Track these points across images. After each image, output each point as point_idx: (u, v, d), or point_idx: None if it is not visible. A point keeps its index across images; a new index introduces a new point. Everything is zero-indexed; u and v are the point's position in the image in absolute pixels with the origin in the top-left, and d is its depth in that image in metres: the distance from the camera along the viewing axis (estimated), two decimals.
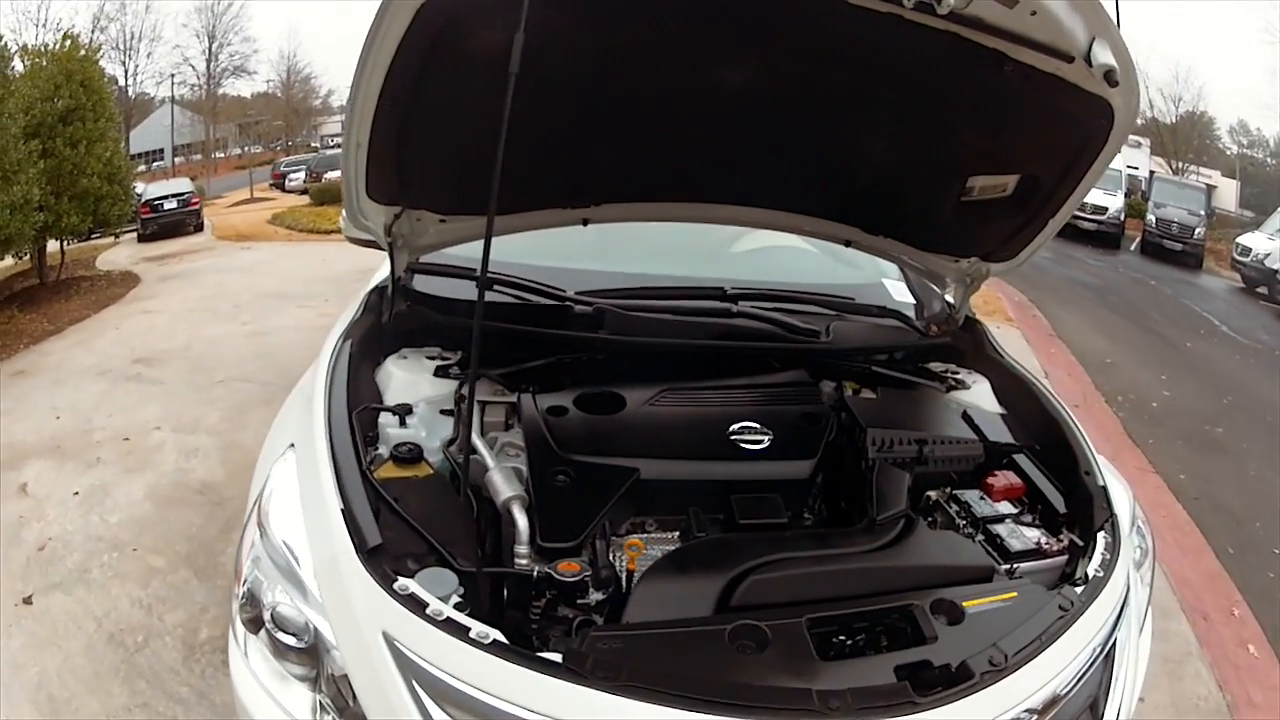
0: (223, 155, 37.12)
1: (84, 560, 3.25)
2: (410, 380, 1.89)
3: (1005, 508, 1.77)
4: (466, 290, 2.14)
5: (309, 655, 1.36)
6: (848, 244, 2.29)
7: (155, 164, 34.63)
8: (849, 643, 1.34)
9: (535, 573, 1.37)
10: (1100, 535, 1.63)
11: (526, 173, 1.90)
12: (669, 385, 1.92)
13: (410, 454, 1.57)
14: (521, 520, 1.46)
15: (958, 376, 2.23)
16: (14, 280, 10.07)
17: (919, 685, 1.19)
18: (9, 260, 9.42)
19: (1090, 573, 1.54)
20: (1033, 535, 1.68)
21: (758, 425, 1.82)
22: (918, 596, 1.38)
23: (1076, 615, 1.40)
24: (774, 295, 2.30)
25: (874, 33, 1.49)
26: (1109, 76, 1.47)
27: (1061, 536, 1.68)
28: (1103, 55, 1.45)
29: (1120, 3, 1.52)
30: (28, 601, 2.97)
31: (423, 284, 2.24)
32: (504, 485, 1.52)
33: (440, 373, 1.92)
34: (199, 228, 16.80)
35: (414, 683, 1.17)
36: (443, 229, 2.06)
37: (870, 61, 1.62)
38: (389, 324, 2.07)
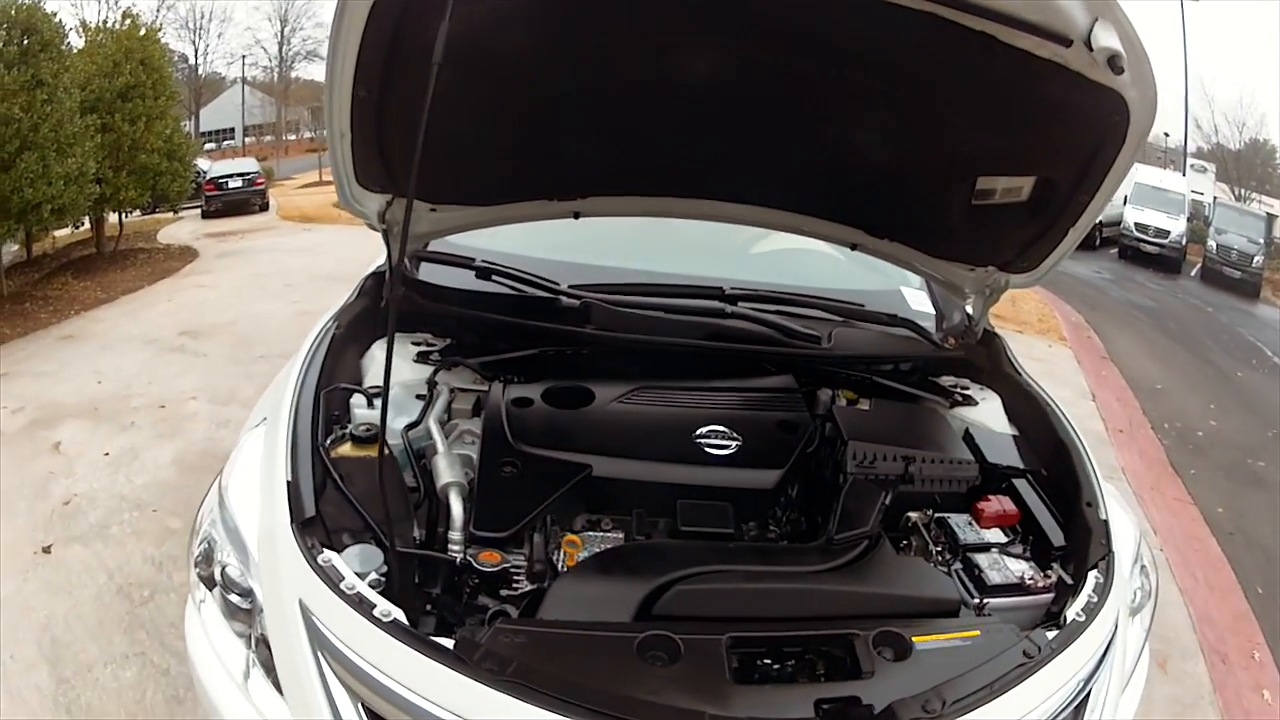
0: (294, 138, 38.11)
1: (105, 517, 3.39)
2: (382, 360, 1.92)
3: (994, 536, 1.65)
4: (464, 279, 2.18)
5: (251, 616, 1.41)
6: (854, 247, 2.17)
7: (225, 143, 35.81)
8: (775, 668, 1.26)
9: (458, 560, 1.37)
10: (1092, 574, 1.50)
11: (512, 164, 1.91)
12: (644, 383, 1.87)
13: (368, 434, 1.58)
14: (456, 507, 1.46)
15: (966, 392, 2.12)
16: (72, 249, 10.51)
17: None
18: (67, 230, 9.81)
19: (1071, 616, 1.41)
20: (1018, 569, 1.56)
21: (727, 430, 1.75)
22: (864, 626, 1.29)
23: (1042, 663, 1.28)
24: (776, 298, 2.22)
25: (853, 17, 1.41)
26: (1113, 63, 1.34)
27: (1050, 572, 1.57)
28: (1105, 39, 1.31)
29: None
30: (47, 551, 3.10)
31: (424, 272, 2.27)
32: (444, 471, 1.53)
33: (420, 358, 1.94)
34: (264, 207, 17.20)
35: (319, 651, 1.20)
36: (435, 218, 2.07)
37: (852, 49, 1.52)
38: (382, 309, 2.10)
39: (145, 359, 5.64)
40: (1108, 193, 1.70)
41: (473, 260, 2.21)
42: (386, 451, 1.51)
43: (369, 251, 2.64)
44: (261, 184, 17.69)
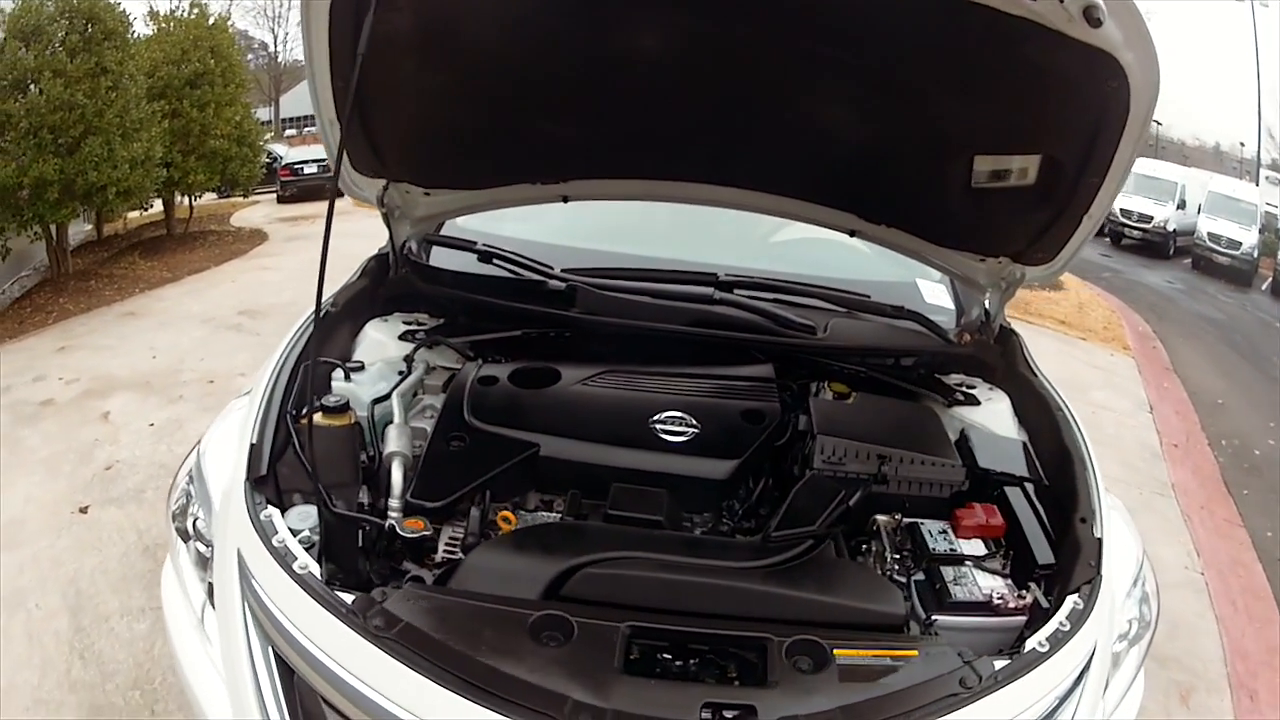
0: None
1: (142, 482, 3.57)
2: (379, 341, 2.00)
3: (972, 547, 1.53)
4: (467, 262, 2.22)
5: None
6: (852, 234, 2.07)
7: (307, 129, 36.93)
8: (676, 664, 1.21)
9: (386, 525, 1.40)
10: (1071, 599, 1.35)
11: (494, 149, 1.94)
12: (613, 367, 1.86)
13: (337, 405, 1.64)
14: (396, 475, 1.51)
15: (971, 391, 2.02)
16: (144, 230, 10.97)
17: None
18: (140, 212, 10.26)
19: (1032, 644, 1.26)
20: (989, 586, 1.44)
21: (687, 416, 1.71)
22: (784, 631, 1.21)
23: (979, 696, 1.13)
24: (772, 286, 2.15)
25: None
26: (1089, 14, 1.23)
27: (1026, 592, 1.43)
28: None
29: None
30: (83, 511, 3.29)
31: (436, 255, 2.33)
32: (391, 440, 1.58)
33: (405, 336, 2.00)
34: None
35: (246, 597, 1.27)
36: (430, 201, 2.13)
37: (804, 16, 1.44)
38: (382, 290, 2.17)
39: (201, 336, 5.88)
40: (1119, 176, 1.58)
41: (474, 244, 2.25)
42: (354, 421, 1.59)
43: None
44: None
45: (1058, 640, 1.27)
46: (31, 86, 5.97)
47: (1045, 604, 1.40)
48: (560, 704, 1.04)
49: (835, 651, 1.19)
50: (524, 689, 1.06)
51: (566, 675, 1.10)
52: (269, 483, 1.41)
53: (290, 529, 1.33)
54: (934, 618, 1.40)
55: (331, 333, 1.96)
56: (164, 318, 6.41)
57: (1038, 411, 1.91)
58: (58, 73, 6.12)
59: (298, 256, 9.27)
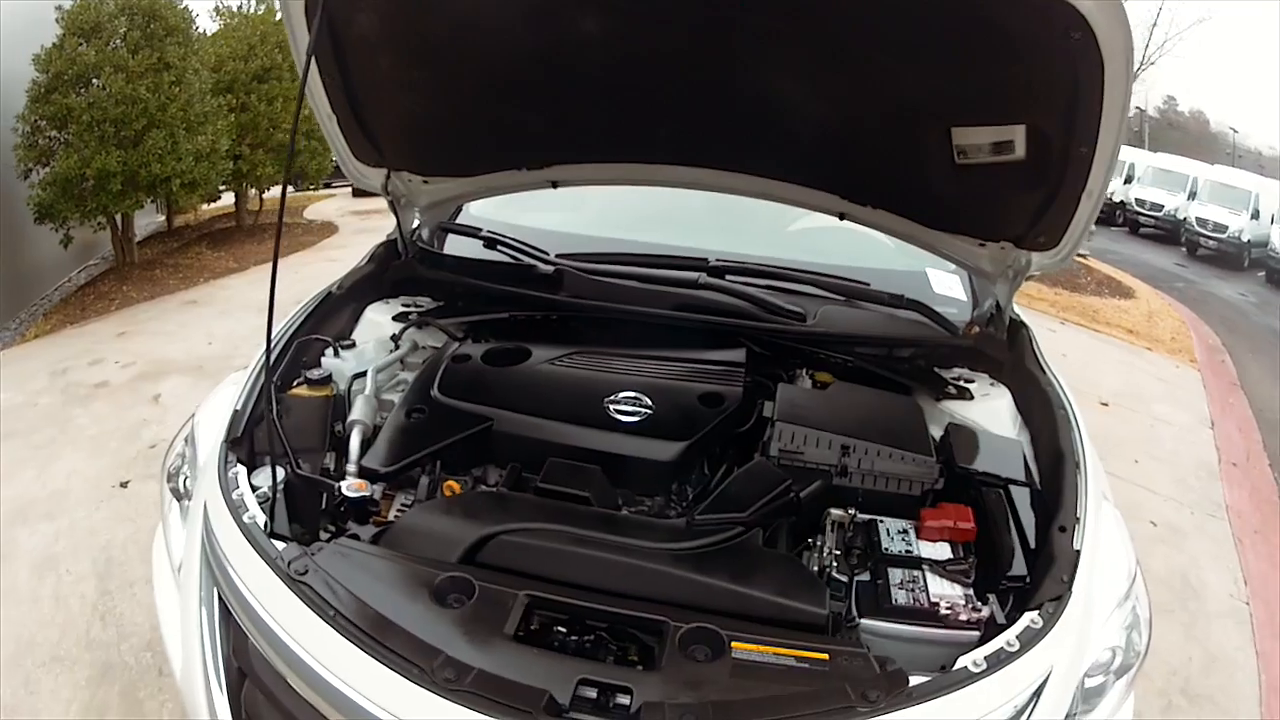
0: None
1: None
2: (375, 321, 2.09)
3: (935, 550, 1.43)
4: (474, 248, 2.31)
5: None
6: (842, 217, 2.00)
7: None
8: (571, 638, 1.21)
9: (336, 487, 1.47)
10: (1029, 615, 1.23)
11: (477, 138, 2.00)
12: (582, 348, 1.88)
13: (320, 379, 1.72)
14: (354, 442, 1.60)
15: (967, 385, 1.93)
16: (215, 221, 11.28)
17: (556, 707, 1.03)
18: (215, 203, 10.63)
19: (966, 663, 1.14)
20: (942, 593, 1.34)
21: (643, 398, 1.71)
22: (691, 617, 1.19)
23: (878, 713, 1.06)
24: (762, 271, 2.14)
25: None
26: None
27: (981, 606, 1.33)
28: None
29: None
30: (123, 485, 3.45)
31: (450, 242, 2.43)
32: (355, 411, 1.67)
33: (399, 318, 2.08)
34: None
35: (204, 545, 1.38)
36: (431, 189, 2.20)
37: None
38: (388, 274, 2.25)
39: (258, 324, 6.03)
40: (1111, 145, 1.45)
41: (479, 230, 2.32)
42: (333, 393, 1.71)
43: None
44: None
45: (998, 661, 1.15)
46: (95, 81, 6.16)
47: (1002, 619, 1.30)
48: (432, 658, 1.07)
49: (733, 644, 1.15)
50: (406, 640, 1.10)
51: (454, 634, 1.13)
52: (244, 444, 1.50)
53: (252, 485, 1.41)
54: (860, 621, 1.32)
55: (334, 313, 2.05)
56: (225, 306, 6.62)
57: (1040, 410, 1.81)
58: (119, 68, 6.30)
59: (363, 249, 9.30)
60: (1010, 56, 1.39)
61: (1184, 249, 17.60)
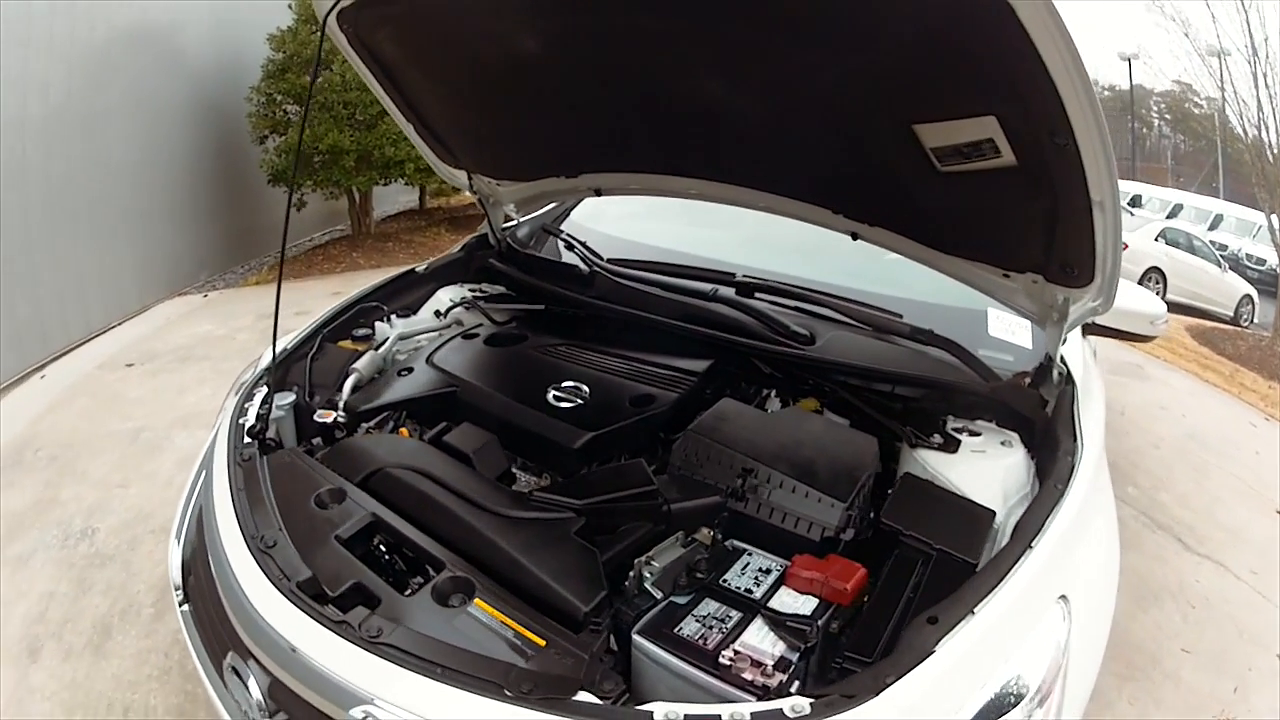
0: None
1: None
2: (441, 300, 2.44)
3: (793, 601, 1.30)
4: (554, 251, 2.65)
5: None
6: (855, 237, 1.88)
7: None
8: (387, 556, 1.42)
9: (314, 414, 1.81)
10: (793, 700, 1.04)
11: (523, 147, 2.30)
12: (573, 341, 2.10)
13: (363, 336, 2.12)
14: (346, 385, 1.92)
15: (968, 434, 1.72)
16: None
17: (322, 595, 1.25)
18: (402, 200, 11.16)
19: (661, 711, 1.04)
20: (753, 646, 1.22)
21: (582, 388, 1.87)
22: (477, 569, 1.32)
23: (519, 701, 1.05)
24: (793, 293, 2.09)
25: None
26: None
27: (773, 673, 1.18)
28: None
29: None
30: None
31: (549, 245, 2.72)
32: (359, 362, 2.00)
33: (463, 299, 2.43)
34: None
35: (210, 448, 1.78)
36: (505, 192, 2.52)
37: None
38: (473, 262, 2.62)
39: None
40: (1094, 141, 1.25)
41: (560, 232, 2.64)
42: (368, 349, 2.08)
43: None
44: None
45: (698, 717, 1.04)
46: (331, 68, 6.46)
47: (789, 693, 1.12)
48: (270, 526, 1.40)
49: (477, 601, 1.24)
50: (261, 516, 1.43)
51: (302, 528, 1.41)
52: (280, 374, 1.90)
53: (276, 405, 1.77)
54: (634, 636, 1.26)
55: (409, 288, 2.44)
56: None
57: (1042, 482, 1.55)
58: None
59: None
60: (928, 31, 1.25)
61: None
